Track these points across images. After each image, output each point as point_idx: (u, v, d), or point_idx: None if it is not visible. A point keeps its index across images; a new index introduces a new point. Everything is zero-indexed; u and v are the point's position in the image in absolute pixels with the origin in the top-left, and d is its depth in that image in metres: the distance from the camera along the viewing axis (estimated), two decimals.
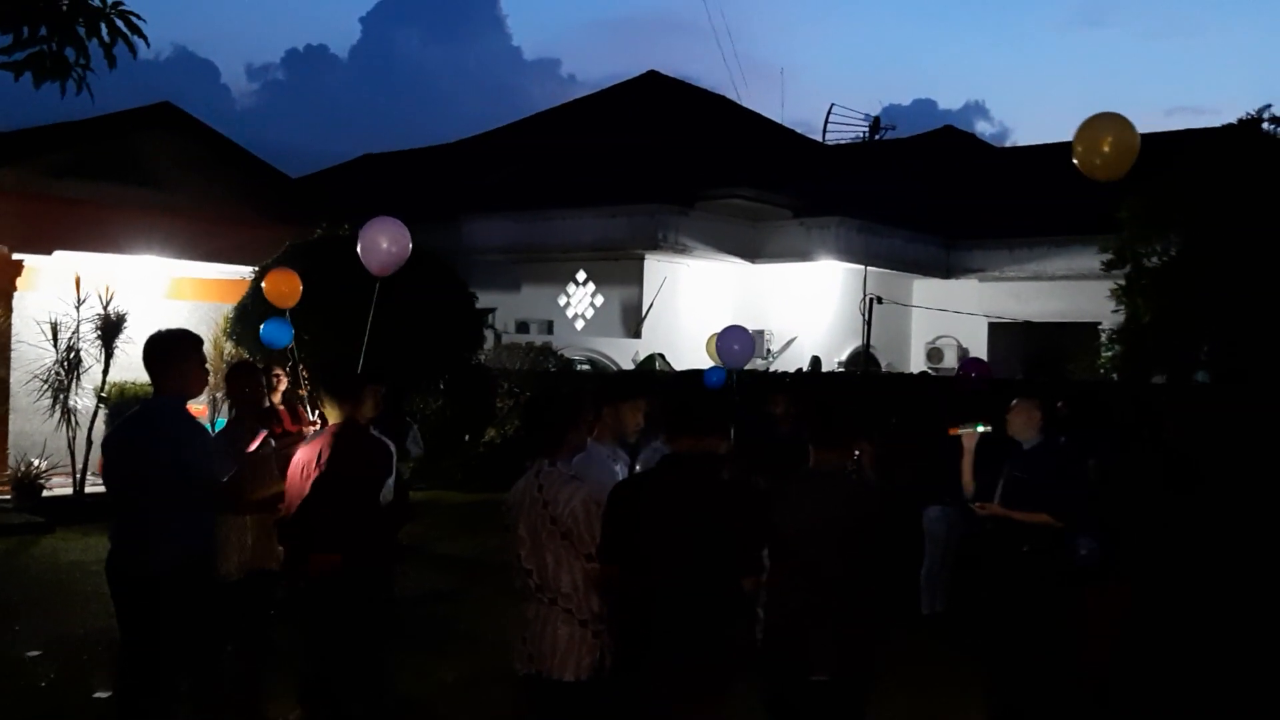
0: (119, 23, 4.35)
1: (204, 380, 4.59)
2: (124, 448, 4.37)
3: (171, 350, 4.43)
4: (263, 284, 8.55)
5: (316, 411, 7.37)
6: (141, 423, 4.38)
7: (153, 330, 4.56)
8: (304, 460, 4.88)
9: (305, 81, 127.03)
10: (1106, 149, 5.69)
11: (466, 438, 14.66)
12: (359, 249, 7.11)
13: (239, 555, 5.34)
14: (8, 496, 11.66)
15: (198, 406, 14.15)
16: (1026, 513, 5.77)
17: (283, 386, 7.50)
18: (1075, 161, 5.81)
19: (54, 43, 4.24)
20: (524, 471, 4.02)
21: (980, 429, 6.14)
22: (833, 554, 3.89)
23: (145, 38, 4.44)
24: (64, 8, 4.23)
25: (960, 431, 6.19)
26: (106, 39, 4.31)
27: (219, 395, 12.27)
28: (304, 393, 7.68)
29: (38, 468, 11.72)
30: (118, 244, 12.97)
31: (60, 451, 11.87)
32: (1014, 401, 6.28)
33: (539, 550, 3.86)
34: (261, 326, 8.88)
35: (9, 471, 11.86)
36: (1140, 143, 5.72)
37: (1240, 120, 13.74)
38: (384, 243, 7.13)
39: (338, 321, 10.13)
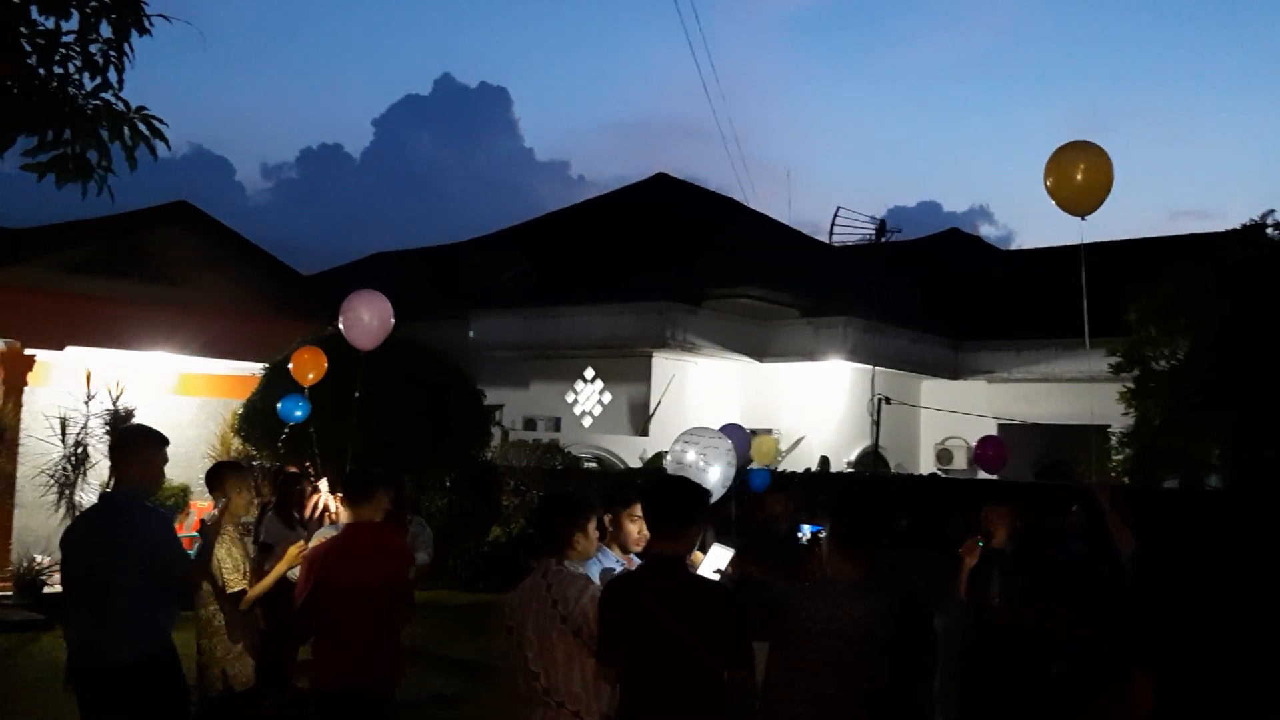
0: (142, 126, 4.41)
1: (162, 478, 4.63)
2: (85, 542, 4.35)
3: (141, 446, 4.48)
4: (290, 363, 8.67)
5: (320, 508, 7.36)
6: (104, 516, 4.40)
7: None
8: (316, 558, 4.82)
9: (319, 180, 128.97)
10: (1080, 179, 5.45)
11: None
12: (342, 325, 7.23)
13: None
14: (9, 592, 11.54)
15: (202, 504, 14.09)
16: (1013, 616, 5.84)
17: (317, 498, 7.43)
18: (1048, 194, 5.54)
19: (77, 145, 4.30)
20: (530, 571, 3.98)
21: (980, 544, 6.22)
22: (838, 671, 3.71)
23: (166, 141, 4.50)
24: (89, 111, 4.31)
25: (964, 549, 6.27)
26: (129, 142, 4.37)
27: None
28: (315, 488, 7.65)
29: (39, 563, 11.62)
30: (130, 340, 13.05)
31: None
32: (984, 509, 6.34)
33: (549, 650, 3.79)
34: (280, 403, 8.94)
35: (11, 568, 11.75)
36: (1114, 177, 5.46)
37: (1244, 225, 13.89)
38: (365, 315, 7.24)
39: (345, 417, 10.12)
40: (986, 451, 10.36)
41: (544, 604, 3.82)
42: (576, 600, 3.78)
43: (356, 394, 7.19)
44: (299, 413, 8.74)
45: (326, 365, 8.43)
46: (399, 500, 6.11)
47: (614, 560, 4.71)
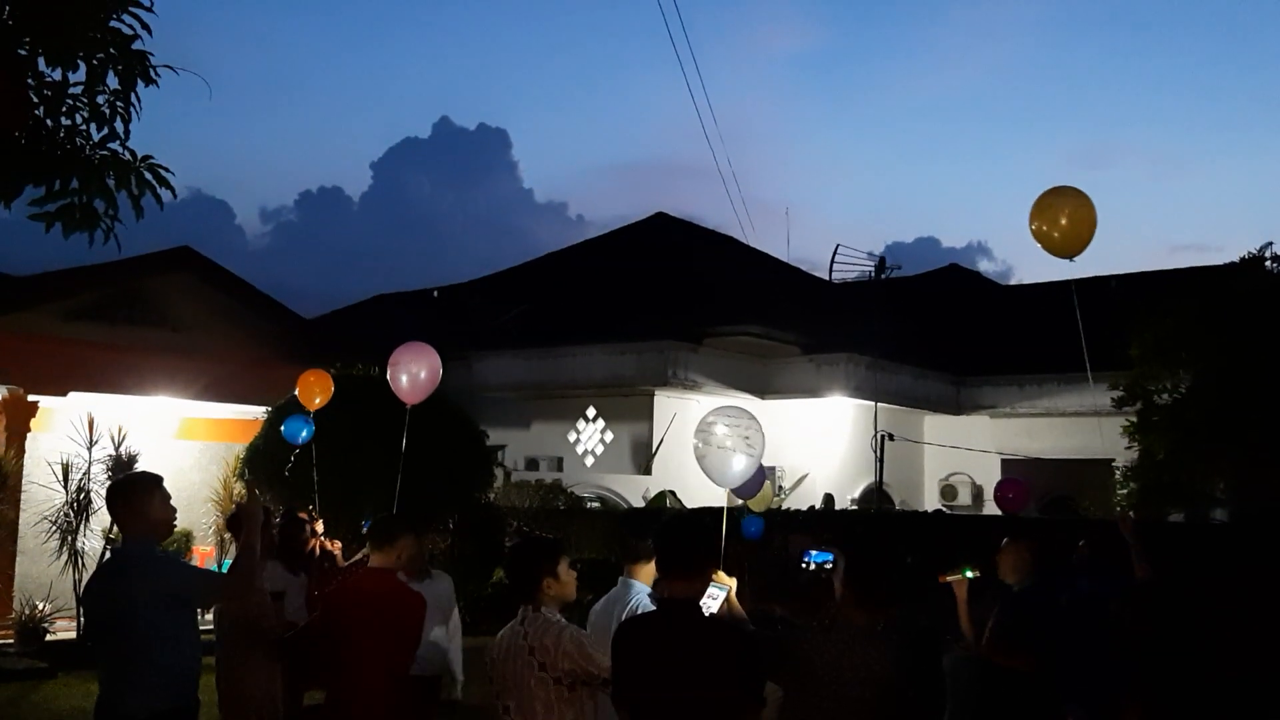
0: (148, 175, 4.43)
1: (170, 518, 4.47)
2: (102, 594, 4.32)
3: (131, 494, 4.38)
4: (297, 386, 8.75)
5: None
6: (114, 571, 4.43)
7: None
8: (327, 602, 4.82)
9: (318, 223, 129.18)
10: (1064, 222, 5.50)
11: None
12: (390, 376, 7.24)
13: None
14: (10, 640, 11.46)
15: (204, 549, 14.06)
16: (1007, 658, 5.74)
17: (315, 542, 7.39)
18: (1033, 238, 5.61)
19: (84, 195, 4.32)
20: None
21: (969, 574, 6.12)
22: (853, 716, 3.70)
23: (173, 189, 4.51)
24: (96, 162, 4.33)
25: (950, 579, 6.16)
26: (136, 191, 4.39)
27: (226, 536, 12.20)
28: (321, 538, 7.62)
29: (42, 611, 11.55)
30: (133, 385, 13.07)
31: (66, 594, 11.71)
32: (1004, 542, 6.26)
33: (528, 700, 3.77)
34: (284, 424, 8.97)
35: (13, 615, 11.68)
36: (1098, 219, 5.52)
37: (1243, 258, 13.95)
38: (415, 368, 7.26)
39: (351, 460, 10.12)
40: (1006, 493, 10.32)
41: (521, 652, 3.80)
42: (555, 647, 3.76)
43: (403, 448, 7.21)
44: (304, 434, 8.74)
45: (332, 388, 8.51)
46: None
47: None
